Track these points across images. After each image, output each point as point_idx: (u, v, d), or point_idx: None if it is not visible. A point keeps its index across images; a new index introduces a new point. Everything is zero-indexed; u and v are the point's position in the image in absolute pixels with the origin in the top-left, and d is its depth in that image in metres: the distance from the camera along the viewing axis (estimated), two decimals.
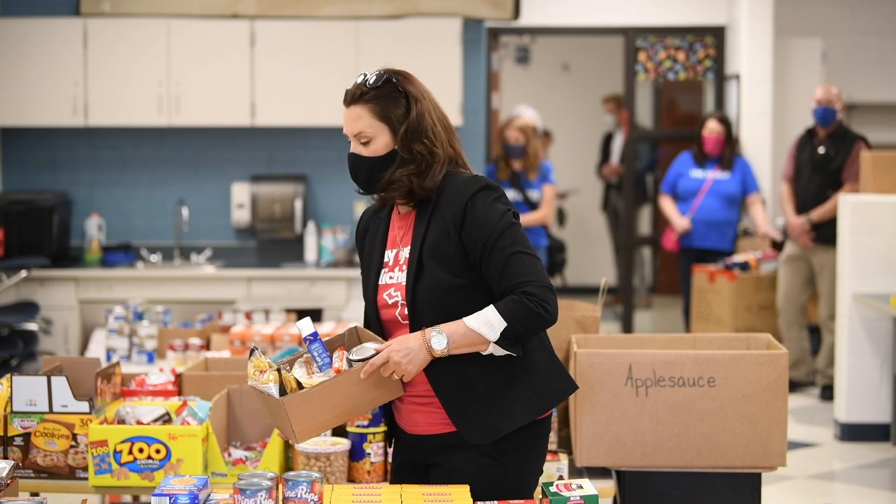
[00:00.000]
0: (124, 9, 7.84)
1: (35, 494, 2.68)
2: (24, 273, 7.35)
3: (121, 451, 3.18)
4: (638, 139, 9.23)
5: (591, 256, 11.67)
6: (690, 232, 7.87)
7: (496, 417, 2.74)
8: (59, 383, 3.24)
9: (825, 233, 7.13)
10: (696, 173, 7.89)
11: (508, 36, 9.98)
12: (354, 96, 2.78)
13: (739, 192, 7.86)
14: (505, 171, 7.76)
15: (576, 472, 3.40)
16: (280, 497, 2.43)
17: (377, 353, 2.68)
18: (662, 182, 8.17)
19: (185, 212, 7.95)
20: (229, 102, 7.78)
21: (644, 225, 10.92)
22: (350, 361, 2.71)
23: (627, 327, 8.94)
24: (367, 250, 2.89)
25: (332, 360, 2.73)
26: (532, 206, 7.75)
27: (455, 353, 2.65)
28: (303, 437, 2.64)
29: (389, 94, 2.79)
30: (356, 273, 7.70)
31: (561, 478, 3.24)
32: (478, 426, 2.73)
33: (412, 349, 2.63)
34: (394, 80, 2.82)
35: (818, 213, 7.22)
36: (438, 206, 2.74)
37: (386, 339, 2.77)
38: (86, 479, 3.24)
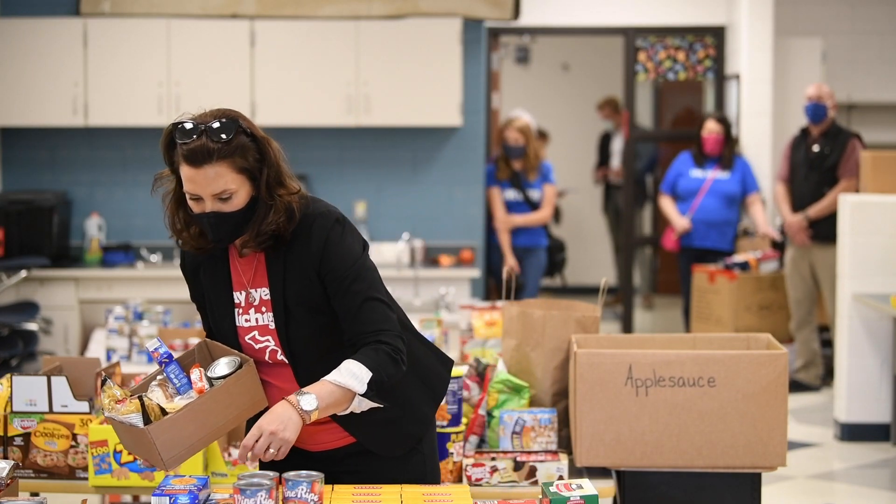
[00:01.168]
0: (124, 9, 7.84)
1: (35, 494, 2.68)
2: (24, 273, 7.35)
3: (121, 451, 3.18)
4: (638, 139, 9.23)
5: (591, 256, 11.67)
6: (690, 232, 7.88)
7: (407, 426, 2.75)
8: (59, 383, 3.24)
9: (823, 230, 7.14)
10: (696, 173, 7.90)
11: (508, 36, 9.98)
12: (209, 154, 2.57)
13: (739, 192, 7.87)
14: (505, 171, 7.76)
15: (576, 472, 3.40)
16: (280, 497, 2.43)
17: (238, 366, 2.63)
18: (662, 182, 8.17)
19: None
20: (229, 102, 7.67)
21: (645, 225, 10.92)
22: (210, 380, 2.64)
23: (627, 327, 8.94)
24: (207, 289, 2.77)
25: (190, 380, 2.64)
26: (533, 206, 7.76)
27: (325, 413, 2.53)
28: (172, 463, 2.55)
29: (242, 144, 2.62)
30: None
31: (561, 478, 3.24)
32: (391, 441, 2.73)
33: (284, 417, 2.50)
34: (242, 126, 2.65)
35: (815, 210, 7.23)
36: (292, 247, 2.64)
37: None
38: (86, 479, 3.24)
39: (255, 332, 2.70)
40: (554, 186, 7.93)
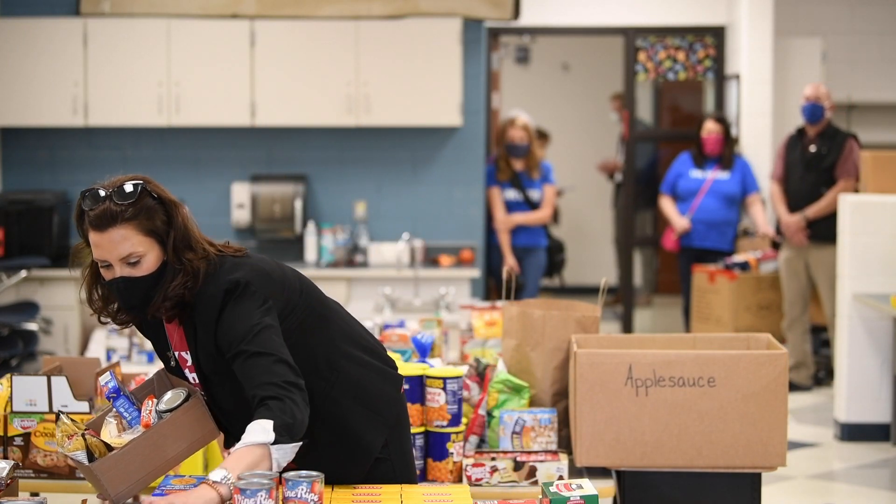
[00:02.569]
0: (124, 9, 7.84)
1: (35, 494, 2.68)
2: (24, 273, 7.35)
3: None
4: (637, 139, 9.23)
5: (590, 256, 11.67)
6: (690, 232, 7.88)
7: (354, 456, 2.74)
8: (59, 383, 3.24)
9: (820, 230, 7.14)
10: (696, 173, 7.90)
11: (508, 36, 9.98)
12: (113, 217, 2.52)
13: (739, 192, 7.87)
14: (506, 171, 7.76)
15: (576, 472, 3.39)
16: (280, 497, 2.43)
17: (186, 398, 2.62)
18: (662, 182, 8.17)
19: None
20: (229, 102, 7.78)
21: (648, 225, 10.90)
22: (159, 413, 2.63)
23: (627, 327, 8.94)
24: (154, 346, 2.78)
25: (140, 413, 2.63)
26: (533, 206, 7.76)
27: (241, 473, 2.38)
28: (120, 498, 2.54)
29: (148, 206, 2.57)
30: (356, 273, 7.70)
31: (561, 478, 3.24)
32: (342, 471, 2.72)
33: (198, 495, 2.35)
34: (147, 188, 2.59)
35: (814, 210, 7.23)
36: (195, 317, 2.62)
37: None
38: (86, 479, 3.24)
39: (198, 389, 2.71)
40: (554, 186, 7.93)
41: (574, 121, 11.88)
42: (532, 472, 3.23)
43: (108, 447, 2.59)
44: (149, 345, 4.89)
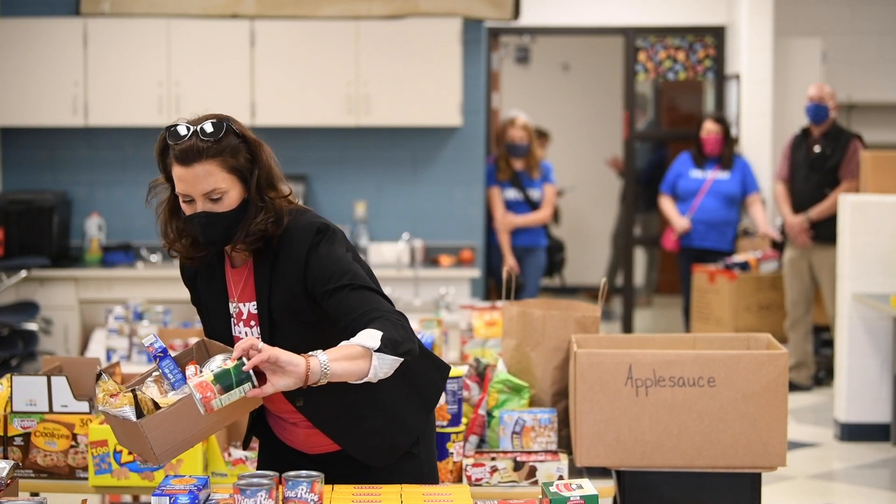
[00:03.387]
0: (124, 9, 7.84)
1: (35, 494, 2.68)
2: (24, 273, 7.35)
3: (121, 451, 3.18)
4: (637, 139, 9.23)
5: (590, 256, 11.67)
6: (690, 232, 7.88)
7: (393, 436, 2.73)
8: (59, 383, 3.24)
9: (824, 231, 7.14)
10: (696, 173, 7.90)
11: (508, 36, 9.98)
12: (198, 152, 2.58)
13: (739, 192, 7.87)
14: (506, 171, 7.76)
15: (576, 472, 3.40)
16: (280, 497, 2.43)
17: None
18: (662, 182, 8.17)
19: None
20: (229, 102, 7.77)
21: (653, 226, 10.88)
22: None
23: (627, 327, 8.94)
24: (205, 298, 2.77)
25: (185, 376, 2.63)
26: (533, 205, 7.76)
27: (338, 371, 2.38)
28: (164, 458, 2.54)
29: (232, 144, 2.62)
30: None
31: (561, 478, 3.24)
32: (376, 451, 2.72)
33: (295, 361, 2.36)
34: (232, 126, 2.64)
35: (817, 211, 7.23)
36: (277, 260, 2.63)
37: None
38: (86, 479, 3.24)
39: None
40: (554, 186, 7.93)
41: (574, 121, 11.88)
42: (532, 472, 3.23)
43: (157, 406, 2.58)
44: (144, 340, 4.89)
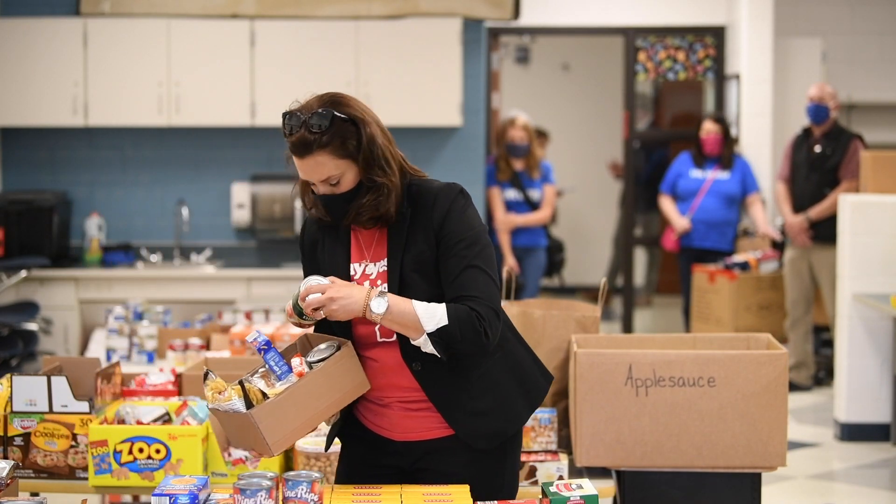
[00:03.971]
0: (124, 9, 7.84)
1: (35, 494, 2.68)
2: (24, 273, 7.35)
3: (121, 451, 3.18)
4: (637, 139, 9.23)
5: (590, 257, 11.67)
6: (690, 232, 7.88)
7: (498, 420, 2.74)
8: (59, 383, 3.24)
9: (824, 231, 7.14)
10: (696, 173, 7.90)
11: (508, 36, 9.98)
12: (308, 145, 2.63)
13: (739, 192, 7.87)
14: (506, 171, 7.76)
15: (576, 472, 3.40)
16: (280, 497, 2.43)
17: (337, 349, 2.67)
18: (662, 182, 8.17)
19: (185, 212, 7.95)
20: (229, 102, 7.78)
21: (654, 226, 10.89)
22: (310, 364, 2.66)
23: (627, 327, 8.94)
24: (322, 263, 2.81)
25: (290, 367, 2.66)
26: (533, 206, 7.76)
27: (386, 325, 2.60)
28: (277, 448, 2.57)
29: (340, 129, 2.65)
30: None
31: (561, 478, 3.24)
32: (481, 432, 2.72)
33: (351, 297, 2.59)
34: (338, 112, 2.66)
35: (817, 211, 7.23)
36: (415, 218, 2.71)
37: (354, 346, 2.72)
38: (86, 479, 3.24)
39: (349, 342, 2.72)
40: (554, 187, 7.93)
41: (574, 121, 11.88)
42: (532, 472, 3.23)
43: (265, 396, 2.59)
44: (149, 345, 4.90)
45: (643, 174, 10.19)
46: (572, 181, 11.40)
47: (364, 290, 2.60)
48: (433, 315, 2.60)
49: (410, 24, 7.83)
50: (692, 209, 7.86)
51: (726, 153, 7.87)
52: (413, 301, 2.62)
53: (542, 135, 9.88)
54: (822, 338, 8.01)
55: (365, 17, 7.85)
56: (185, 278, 7.62)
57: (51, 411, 3.24)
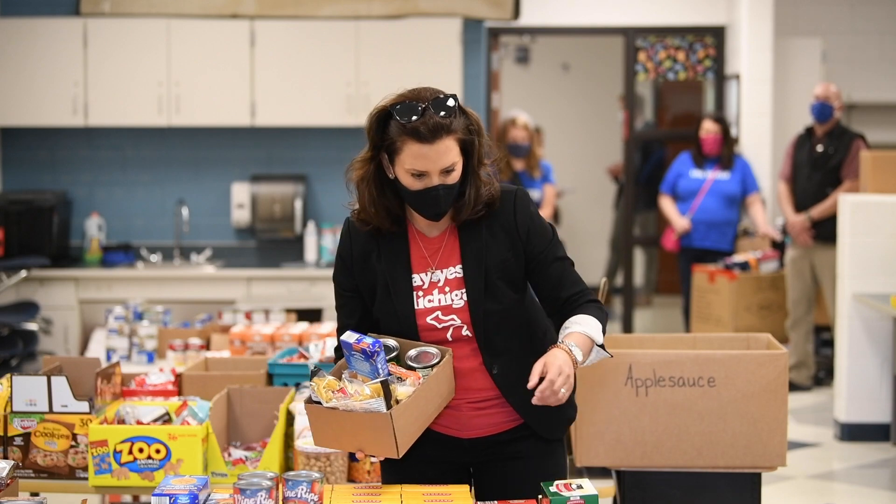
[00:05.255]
0: (124, 9, 7.84)
1: (35, 494, 2.68)
2: (24, 273, 7.35)
3: (121, 451, 3.18)
4: (637, 139, 9.22)
5: (589, 257, 11.66)
6: (690, 232, 7.88)
7: (570, 408, 2.82)
8: (59, 383, 3.24)
9: (825, 230, 7.14)
10: (696, 173, 7.90)
11: (508, 36, 9.98)
12: (443, 129, 2.63)
13: (739, 192, 7.87)
14: (506, 171, 7.75)
15: (576, 472, 3.40)
16: (280, 497, 2.43)
17: (439, 356, 2.65)
18: (662, 182, 8.17)
19: (185, 212, 7.95)
20: (229, 102, 7.78)
21: (651, 225, 10.90)
22: (411, 368, 2.64)
23: (627, 327, 8.94)
24: (380, 273, 2.75)
25: (389, 372, 2.62)
26: None
27: (584, 355, 2.66)
28: (403, 449, 2.57)
29: (462, 118, 2.68)
30: None
31: (561, 478, 3.23)
32: (555, 422, 2.78)
33: (561, 368, 2.57)
34: (457, 99, 2.69)
35: (818, 211, 7.23)
36: (493, 222, 2.72)
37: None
38: (86, 479, 3.24)
39: (438, 313, 2.72)
40: (554, 186, 7.93)
41: (574, 121, 11.87)
42: None
43: (396, 400, 2.58)
44: (149, 345, 4.90)
45: (642, 174, 10.19)
46: (572, 181, 11.39)
47: (560, 353, 2.60)
48: (593, 327, 2.68)
49: (410, 24, 7.83)
50: (692, 209, 7.86)
51: (726, 153, 7.87)
52: (573, 329, 2.67)
53: (536, 131, 9.88)
54: (823, 338, 8.00)
55: (365, 17, 7.85)
56: (185, 278, 7.62)
57: (51, 411, 3.24)
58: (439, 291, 2.72)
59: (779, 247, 7.83)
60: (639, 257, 10.98)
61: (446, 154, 2.64)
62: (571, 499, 2.43)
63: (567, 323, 2.68)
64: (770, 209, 8.34)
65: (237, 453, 3.33)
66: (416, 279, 2.74)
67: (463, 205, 2.70)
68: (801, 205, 7.35)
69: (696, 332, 7.69)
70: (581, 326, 2.66)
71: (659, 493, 3.36)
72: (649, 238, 10.21)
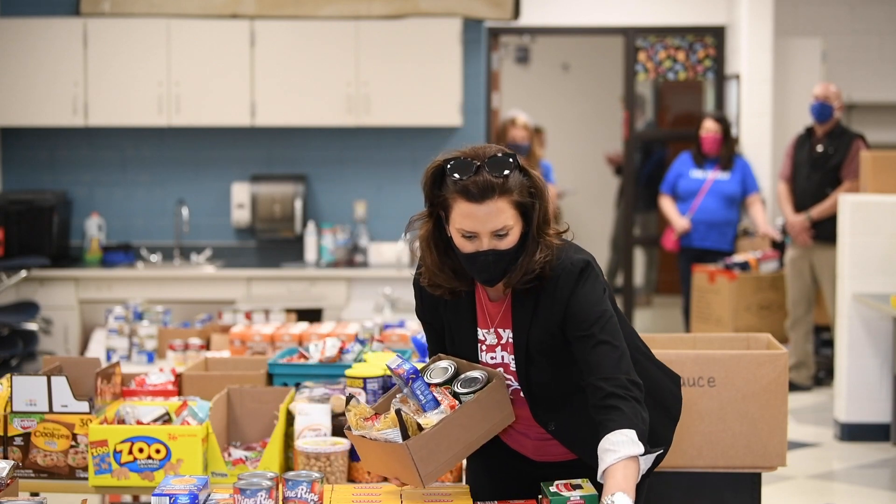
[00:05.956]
0: (124, 9, 7.84)
1: (35, 494, 2.68)
2: (24, 273, 7.35)
3: (121, 451, 3.17)
4: (637, 139, 9.22)
5: None
6: (690, 232, 7.88)
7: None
8: (59, 383, 3.24)
9: (825, 231, 7.14)
10: (696, 173, 7.90)
11: (508, 36, 9.98)
12: (493, 189, 2.50)
13: (739, 193, 7.87)
14: None
15: None
16: (280, 497, 2.43)
17: (483, 381, 2.61)
18: (662, 182, 8.17)
19: (185, 212, 7.95)
20: (229, 102, 7.78)
21: (651, 225, 10.90)
22: (456, 395, 2.61)
23: None
24: (449, 323, 2.72)
25: (435, 397, 2.59)
26: None
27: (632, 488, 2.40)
28: (428, 480, 2.53)
29: (519, 179, 2.54)
30: (356, 273, 7.70)
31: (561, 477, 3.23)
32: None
33: None
34: (518, 161, 2.55)
35: (818, 211, 7.23)
36: (541, 296, 2.60)
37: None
38: (86, 479, 3.24)
39: (500, 370, 2.67)
40: (554, 187, 7.93)
41: (574, 121, 11.87)
42: None
43: (419, 427, 2.54)
44: (149, 345, 4.90)
45: (642, 174, 10.19)
46: (572, 181, 11.39)
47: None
48: (625, 443, 2.42)
49: (410, 24, 7.83)
50: (692, 209, 7.86)
51: (726, 153, 7.87)
52: (608, 464, 2.41)
53: (537, 131, 9.88)
54: (823, 338, 8.00)
55: (365, 17, 7.85)
56: (185, 278, 7.63)
57: (51, 411, 3.24)
58: (502, 349, 2.68)
59: (779, 247, 7.83)
60: (639, 257, 10.98)
61: (497, 216, 2.51)
62: (571, 499, 2.43)
63: (600, 453, 2.44)
64: (770, 209, 8.34)
65: (237, 453, 3.33)
66: (481, 334, 2.70)
67: (513, 271, 2.57)
68: (800, 205, 7.35)
69: (696, 332, 7.69)
70: (615, 454, 2.41)
71: (659, 493, 3.36)
72: (649, 238, 10.21)
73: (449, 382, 2.65)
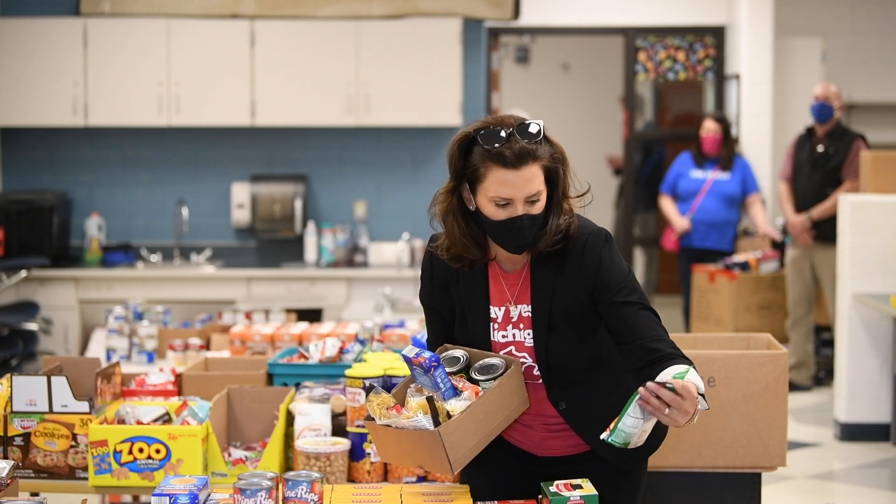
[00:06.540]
0: (124, 9, 7.84)
1: (35, 494, 2.68)
2: (24, 273, 7.35)
3: (121, 451, 3.17)
4: (637, 139, 9.22)
5: None
6: (690, 232, 7.88)
7: (648, 438, 2.65)
8: (59, 383, 3.24)
9: (826, 231, 7.14)
10: (696, 174, 7.90)
11: (508, 36, 9.98)
12: (529, 155, 2.55)
13: (739, 193, 7.87)
14: None
15: None
16: (280, 497, 2.43)
17: (503, 367, 2.61)
18: (662, 182, 8.17)
19: (185, 212, 7.96)
20: (229, 102, 7.78)
21: (651, 225, 10.89)
22: (474, 381, 2.62)
23: None
24: (461, 302, 2.73)
25: (453, 385, 2.59)
26: None
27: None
28: (458, 466, 2.54)
29: (547, 146, 2.60)
30: (356, 273, 7.70)
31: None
32: (628, 453, 2.62)
33: (688, 410, 2.39)
34: (542, 127, 2.61)
35: (818, 211, 7.23)
36: (563, 264, 2.63)
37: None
38: (86, 479, 3.24)
39: (512, 348, 2.69)
40: None
41: (574, 121, 11.87)
42: None
43: (447, 415, 2.54)
44: (149, 345, 4.90)
45: (642, 174, 10.19)
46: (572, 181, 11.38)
47: (695, 403, 2.40)
48: (698, 378, 2.47)
49: (410, 24, 7.83)
50: (692, 209, 7.86)
51: (726, 153, 7.87)
52: (687, 382, 2.42)
53: None
54: (823, 338, 8.00)
55: (365, 17, 7.85)
56: (185, 278, 7.63)
57: (51, 411, 3.24)
58: (513, 327, 2.69)
59: (779, 247, 7.84)
60: (639, 257, 10.98)
61: (532, 181, 2.56)
62: (571, 499, 2.43)
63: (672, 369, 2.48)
64: (770, 209, 8.34)
65: (237, 453, 3.33)
66: (493, 312, 2.70)
67: (543, 234, 2.60)
68: (801, 205, 7.35)
69: (696, 332, 7.69)
70: (695, 375, 2.46)
71: (659, 493, 3.36)
72: (649, 238, 10.21)
73: (463, 371, 2.66)
